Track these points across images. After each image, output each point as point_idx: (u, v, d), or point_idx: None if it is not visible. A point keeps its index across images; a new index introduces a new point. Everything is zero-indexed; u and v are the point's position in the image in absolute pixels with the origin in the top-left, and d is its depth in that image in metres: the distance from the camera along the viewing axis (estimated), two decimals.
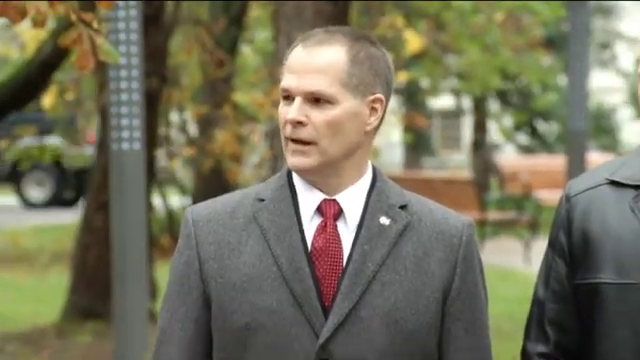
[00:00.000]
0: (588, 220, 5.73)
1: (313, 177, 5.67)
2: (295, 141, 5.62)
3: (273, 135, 6.03)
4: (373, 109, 5.60)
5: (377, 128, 5.73)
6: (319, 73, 5.64)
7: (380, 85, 5.66)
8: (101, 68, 15.31)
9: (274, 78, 18.15)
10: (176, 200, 35.71)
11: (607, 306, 5.63)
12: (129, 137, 16.11)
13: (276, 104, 5.86)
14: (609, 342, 5.65)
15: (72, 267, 27.43)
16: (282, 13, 17.88)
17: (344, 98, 5.59)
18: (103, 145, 20.89)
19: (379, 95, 5.61)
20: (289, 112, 5.62)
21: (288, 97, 5.69)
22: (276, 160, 5.27)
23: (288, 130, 5.65)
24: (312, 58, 5.70)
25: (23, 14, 12.03)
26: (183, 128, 27.49)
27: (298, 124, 5.59)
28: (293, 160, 5.60)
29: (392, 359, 5.60)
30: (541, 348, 5.80)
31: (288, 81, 5.71)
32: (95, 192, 25.66)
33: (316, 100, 5.59)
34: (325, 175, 5.64)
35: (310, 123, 5.58)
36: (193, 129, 29.44)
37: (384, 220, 5.63)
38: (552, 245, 5.90)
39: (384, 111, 5.67)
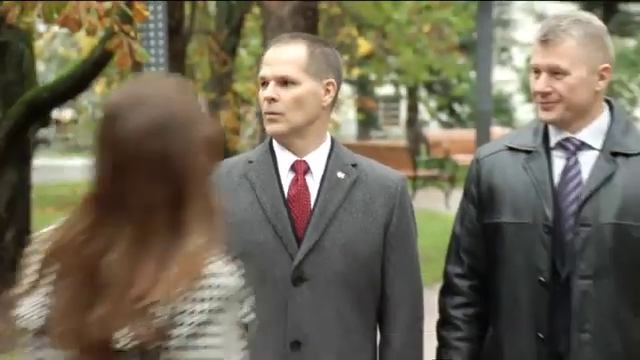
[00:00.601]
0: (492, 176, 5.81)
1: (285, 140, 5.85)
2: (270, 113, 5.79)
3: (261, 114, 6.04)
4: (327, 90, 5.83)
5: (332, 105, 5.95)
6: (286, 64, 5.82)
7: (332, 73, 5.87)
8: (137, 66, 15.16)
9: None
10: None
11: (506, 240, 5.76)
12: None
13: None
14: (508, 267, 5.74)
15: None
16: (268, 26, 17.97)
17: (305, 80, 5.78)
18: None
19: (331, 80, 5.82)
20: (265, 93, 5.80)
21: (264, 83, 5.85)
22: (263, 132, 5.29)
23: (265, 106, 5.84)
24: (281, 53, 5.91)
25: (80, 25, 12.06)
26: None
27: (272, 100, 5.77)
28: (269, 127, 5.83)
29: (348, 278, 5.69)
30: (457, 270, 5.90)
31: (264, 71, 5.90)
32: None
33: (284, 82, 5.77)
34: (293, 138, 5.82)
35: (280, 100, 5.75)
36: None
37: (340, 175, 5.80)
38: (466, 195, 5.99)
39: (336, 92, 5.91)
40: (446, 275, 5.93)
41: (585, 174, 5.63)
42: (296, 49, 5.85)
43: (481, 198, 5.84)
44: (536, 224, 5.63)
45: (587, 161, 5.65)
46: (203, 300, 3.93)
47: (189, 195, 4.00)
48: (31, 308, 4.23)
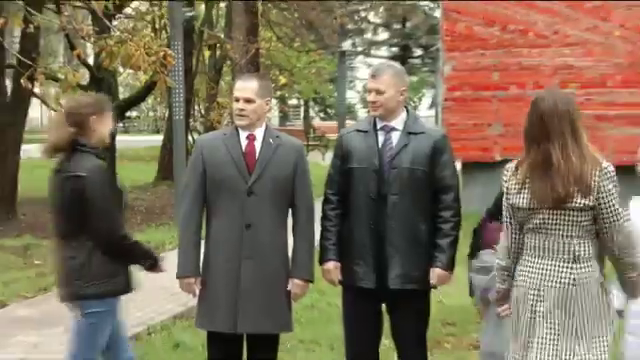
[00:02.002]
0: (348, 144, 5.66)
1: (246, 128, 5.62)
2: (239, 115, 5.62)
3: (232, 113, 5.90)
4: (267, 104, 5.67)
5: (268, 110, 5.75)
6: (248, 90, 5.64)
7: (269, 95, 5.77)
8: (168, 90, 14.82)
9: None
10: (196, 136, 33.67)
11: (354, 176, 5.59)
12: (178, 112, 15.78)
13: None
14: (355, 189, 5.59)
15: None
16: (235, 69, 17.82)
17: (257, 99, 5.61)
18: (170, 118, 20.17)
19: (269, 98, 5.75)
20: (237, 105, 5.65)
21: (237, 100, 5.65)
22: (233, 123, 5.16)
23: (237, 111, 5.65)
24: (245, 84, 5.72)
25: (139, 68, 11.73)
26: (200, 113, 26.86)
27: (241, 110, 5.59)
28: (239, 121, 5.66)
29: (274, 193, 5.61)
30: (330, 191, 5.72)
31: (236, 94, 5.70)
32: (165, 135, 24.69)
33: (247, 100, 5.59)
34: (250, 126, 5.60)
35: (245, 109, 5.59)
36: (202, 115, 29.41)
37: (270, 141, 5.66)
38: (335, 154, 5.78)
39: (270, 104, 5.81)
40: (325, 194, 5.75)
41: (394, 143, 5.55)
42: (252, 82, 5.68)
43: (342, 155, 5.65)
44: (369, 168, 5.52)
45: (395, 136, 5.56)
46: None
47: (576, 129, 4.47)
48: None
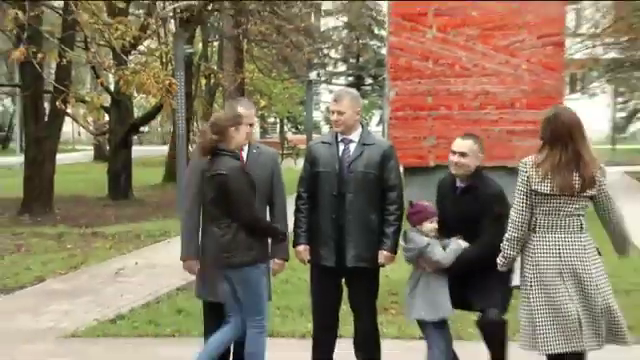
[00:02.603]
0: (315, 153, 5.59)
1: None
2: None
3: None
4: (255, 121, 5.62)
5: (251, 132, 5.52)
6: (249, 114, 5.46)
7: (256, 114, 5.69)
8: (173, 110, 14.71)
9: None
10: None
11: (320, 178, 5.51)
12: (181, 128, 15.62)
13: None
14: (321, 189, 5.51)
15: None
16: (225, 94, 17.61)
17: (254, 120, 5.48)
18: (174, 132, 19.99)
19: (256, 117, 5.73)
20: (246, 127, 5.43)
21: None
22: None
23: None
24: (248, 109, 5.50)
25: (150, 93, 11.61)
26: (197, 128, 26.71)
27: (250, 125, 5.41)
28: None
29: (259, 192, 5.38)
30: (301, 189, 5.64)
31: (245, 119, 5.45)
32: (170, 146, 24.64)
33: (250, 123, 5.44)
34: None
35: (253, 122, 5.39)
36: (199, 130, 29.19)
37: (255, 151, 5.60)
38: (305, 160, 5.71)
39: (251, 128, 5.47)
40: (298, 192, 5.65)
41: (351, 152, 5.48)
42: (249, 106, 5.53)
43: (311, 161, 5.58)
44: (332, 172, 5.46)
45: (352, 147, 5.50)
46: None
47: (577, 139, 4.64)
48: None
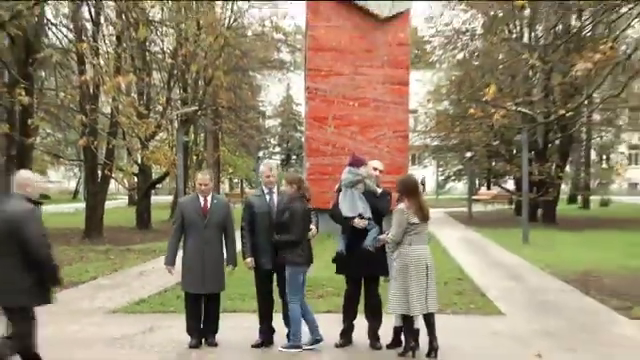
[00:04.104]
0: (252, 200, 5.37)
1: (202, 194, 5.24)
2: (202, 191, 5.23)
3: (198, 188, 5.22)
4: (211, 183, 5.33)
5: (213, 187, 5.28)
6: (207, 179, 5.30)
7: (212, 181, 5.36)
8: (175, 176, 14.45)
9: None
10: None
11: (257, 216, 5.29)
12: (180, 185, 15.09)
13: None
14: (258, 223, 5.26)
15: None
16: (209, 164, 17.18)
17: (210, 184, 5.30)
18: (177, 188, 19.24)
19: (211, 182, 5.33)
20: (202, 188, 5.26)
21: (200, 184, 5.28)
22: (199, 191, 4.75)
23: (201, 188, 5.26)
24: (205, 177, 5.33)
25: (161, 165, 11.48)
26: (191, 186, 25.91)
27: (205, 187, 5.24)
28: (201, 193, 5.28)
29: (218, 227, 5.19)
30: (244, 224, 5.33)
31: (199, 181, 5.30)
32: (174, 196, 21.47)
33: (206, 184, 5.26)
34: (206, 194, 5.22)
35: (206, 188, 5.24)
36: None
37: (215, 201, 5.31)
38: (246, 205, 5.45)
39: (212, 184, 5.36)
40: (242, 225, 5.30)
41: (275, 199, 5.29)
42: (208, 176, 5.33)
43: (249, 206, 5.31)
44: (265, 212, 5.23)
45: (275, 196, 5.33)
46: None
47: None
48: None
